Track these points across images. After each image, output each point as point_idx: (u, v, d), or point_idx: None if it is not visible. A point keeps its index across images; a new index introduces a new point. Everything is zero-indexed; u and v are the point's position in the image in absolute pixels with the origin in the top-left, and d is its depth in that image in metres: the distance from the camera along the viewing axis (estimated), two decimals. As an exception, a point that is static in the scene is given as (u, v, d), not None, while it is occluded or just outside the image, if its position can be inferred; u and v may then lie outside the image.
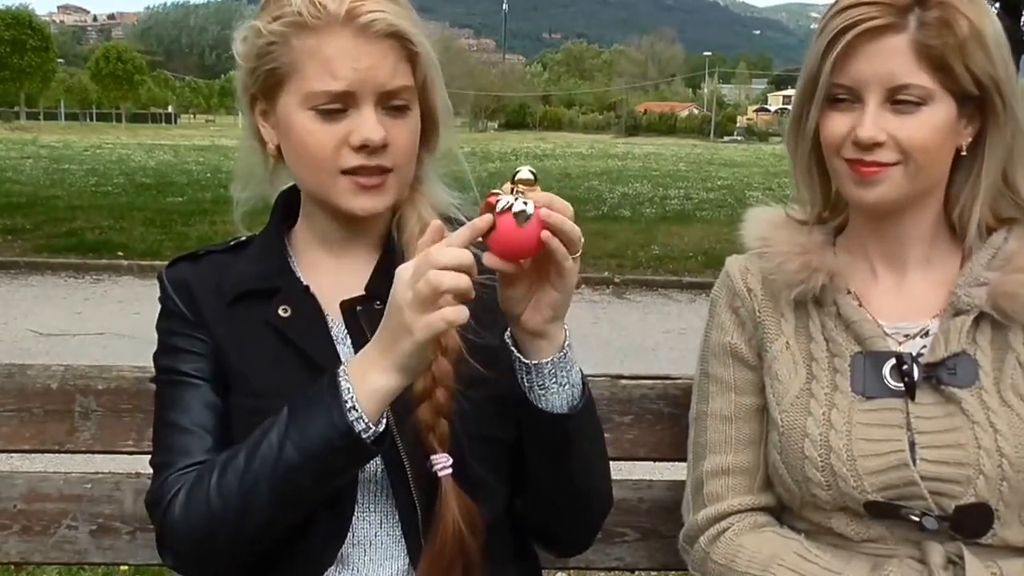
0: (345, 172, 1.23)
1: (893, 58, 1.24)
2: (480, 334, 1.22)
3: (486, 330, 1.23)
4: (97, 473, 1.61)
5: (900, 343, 1.33)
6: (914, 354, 1.31)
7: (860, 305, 1.35)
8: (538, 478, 1.28)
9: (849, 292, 1.36)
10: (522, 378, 1.21)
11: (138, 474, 1.59)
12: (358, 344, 1.25)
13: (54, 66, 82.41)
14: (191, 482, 1.20)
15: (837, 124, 1.29)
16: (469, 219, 1.20)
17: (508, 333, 1.22)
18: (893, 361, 1.30)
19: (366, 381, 1.12)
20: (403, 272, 1.09)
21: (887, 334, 1.34)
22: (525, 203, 1.07)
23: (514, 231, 1.07)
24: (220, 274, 1.31)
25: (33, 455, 1.69)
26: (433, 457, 1.20)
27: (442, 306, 1.06)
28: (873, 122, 1.26)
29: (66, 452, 1.58)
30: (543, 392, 1.21)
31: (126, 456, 1.59)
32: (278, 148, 1.29)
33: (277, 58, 1.23)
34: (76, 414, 1.56)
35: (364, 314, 1.26)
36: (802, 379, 1.34)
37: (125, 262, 10.22)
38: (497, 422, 1.26)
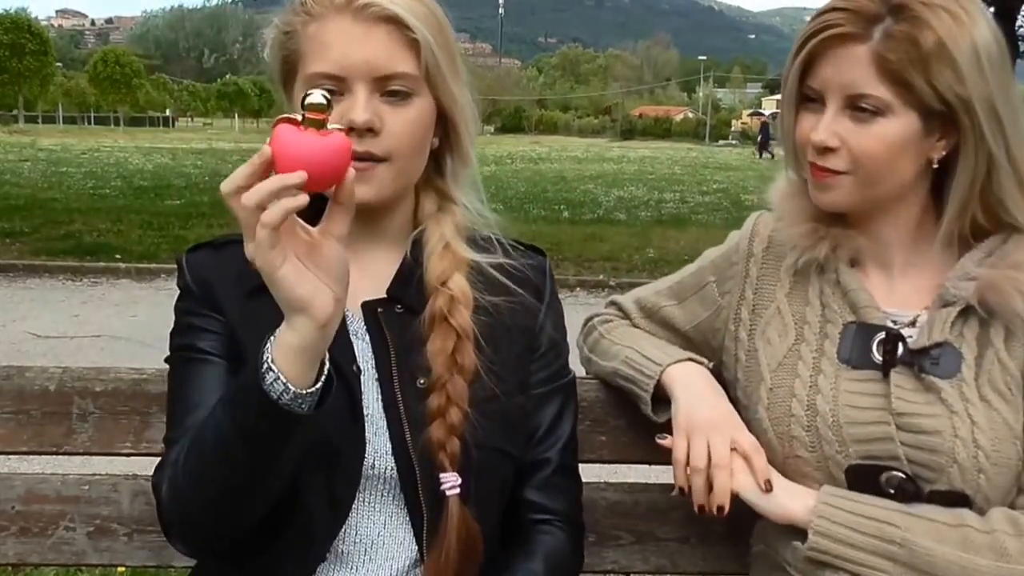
0: None
1: (854, 67, 1.26)
2: (493, 353, 1.25)
3: (498, 350, 1.26)
4: (95, 475, 1.61)
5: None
6: (904, 334, 1.31)
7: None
8: None
9: (852, 265, 1.38)
10: None
11: (136, 476, 1.59)
12: (376, 341, 1.26)
13: (52, 70, 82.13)
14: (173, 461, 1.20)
15: (805, 125, 1.33)
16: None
17: None
18: (883, 335, 1.31)
19: (277, 341, 1.07)
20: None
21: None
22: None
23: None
24: (241, 264, 1.29)
25: (31, 457, 1.68)
26: (442, 476, 1.21)
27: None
28: (827, 127, 1.29)
29: (64, 454, 1.57)
30: None
31: (124, 458, 1.59)
32: None
33: (290, 47, 1.27)
34: (74, 416, 1.56)
35: (384, 316, 1.27)
36: (790, 341, 1.37)
37: (123, 265, 10.20)
38: (505, 436, 1.27)
